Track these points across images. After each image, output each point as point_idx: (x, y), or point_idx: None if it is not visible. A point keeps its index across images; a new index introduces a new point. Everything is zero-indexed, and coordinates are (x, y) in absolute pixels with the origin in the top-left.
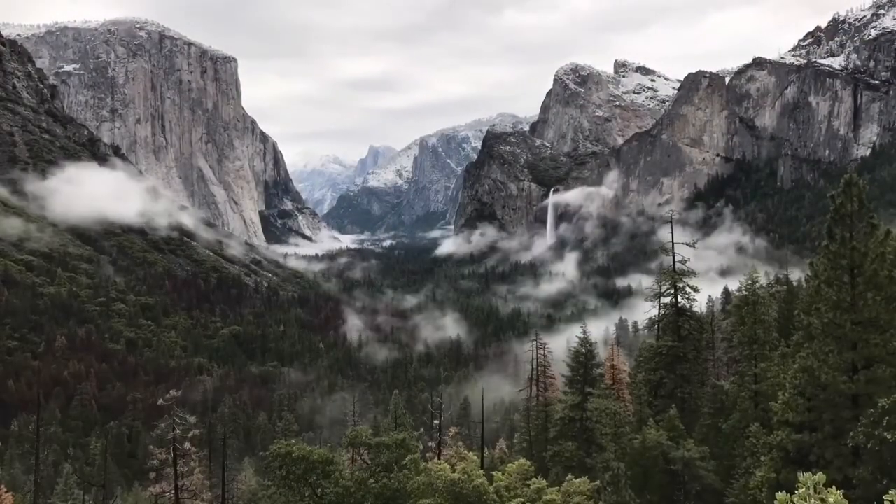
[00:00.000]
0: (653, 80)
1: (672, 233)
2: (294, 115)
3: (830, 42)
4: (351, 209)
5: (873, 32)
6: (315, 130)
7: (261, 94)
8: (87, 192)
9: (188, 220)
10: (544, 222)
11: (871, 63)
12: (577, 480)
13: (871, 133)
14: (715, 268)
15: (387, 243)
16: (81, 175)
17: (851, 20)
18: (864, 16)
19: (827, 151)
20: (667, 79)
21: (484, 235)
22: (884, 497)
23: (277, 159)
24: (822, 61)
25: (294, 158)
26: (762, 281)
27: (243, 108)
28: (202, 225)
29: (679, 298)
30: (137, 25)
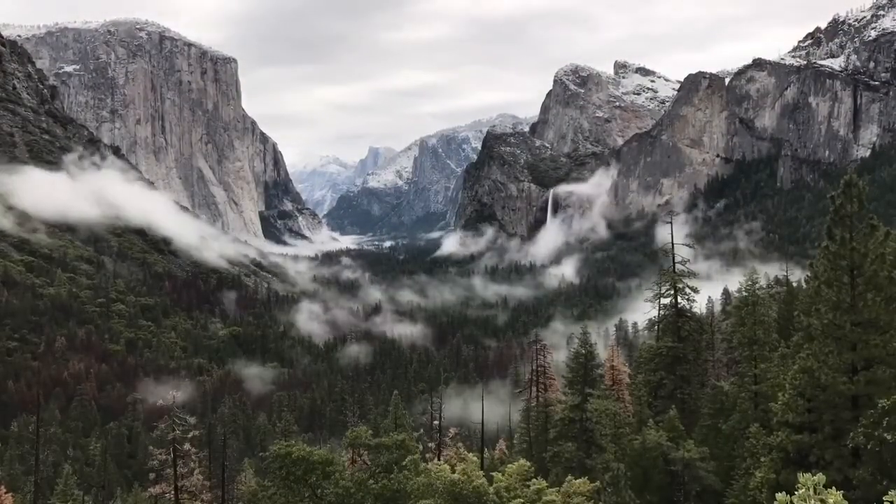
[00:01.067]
0: (653, 81)
1: (672, 234)
2: (337, 121)
3: (830, 43)
4: (351, 210)
5: (873, 33)
6: (357, 134)
7: (301, 99)
8: (87, 193)
9: (188, 220)
10: (544, 223)
11: (871, 64)
12: (577, 481)
13: (870, 134)
14: (715, 268)
15: (387, 244)
16: (82, 175)
17: (851, 21)
18: (864, 17)
19: (827, 152)
20: (667, 80)
21: (484, 236)
22: (884, 498)
23: (277, 160)
24: (822, 62)
25: (294, 159)
26: (762, 282)
27: (243, 109)
28: (202, 225)
29: (679, 299)
30: (137, 26)
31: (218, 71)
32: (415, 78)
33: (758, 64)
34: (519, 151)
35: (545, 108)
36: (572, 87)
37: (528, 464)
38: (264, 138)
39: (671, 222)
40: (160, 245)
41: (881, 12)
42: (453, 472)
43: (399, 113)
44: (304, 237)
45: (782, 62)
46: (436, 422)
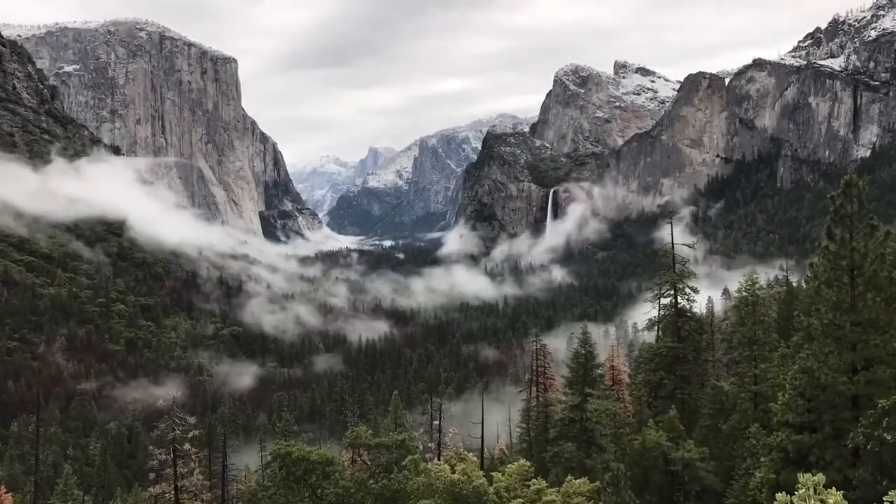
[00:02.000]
0: (653, 82)
1: (672, 234)
2: (367, 125)
3: (830, 43)
4: (351, 210)
5: (873, 33)
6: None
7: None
8: (87, 193)
9: (188, 220)
10: (544, 223)
11: (871, 64)
12: (577, 481)
13: (870, 134)
14: (714, 269)
15: (387, 244)
16: (82, 175)
17: (851, 21)
18: (864, 17)
19: (827, 152)
20: (667, 80)
21: (484, 236)
22: (884, 498)
23: (277, 160)
24: (822, 62)
25: (294, 159)
26: (762, 282)
27: (243, 109)
28: (202, 225)
29: (679, 299)
30: (137, 26)
31: (218, 71)
32: (443, 85)
33: (758, 64)
34: (519, 151)
35: (545, 108)
36: (572, 87)
37: (528, 464)
38: (264, 138)
39: (671, 223)
40: (159, 245)
41: (881, 12)
42: (453, 472)
43: (431, 116)
44: (304, 237)
45: (782, 62)
46: (435, 422)
